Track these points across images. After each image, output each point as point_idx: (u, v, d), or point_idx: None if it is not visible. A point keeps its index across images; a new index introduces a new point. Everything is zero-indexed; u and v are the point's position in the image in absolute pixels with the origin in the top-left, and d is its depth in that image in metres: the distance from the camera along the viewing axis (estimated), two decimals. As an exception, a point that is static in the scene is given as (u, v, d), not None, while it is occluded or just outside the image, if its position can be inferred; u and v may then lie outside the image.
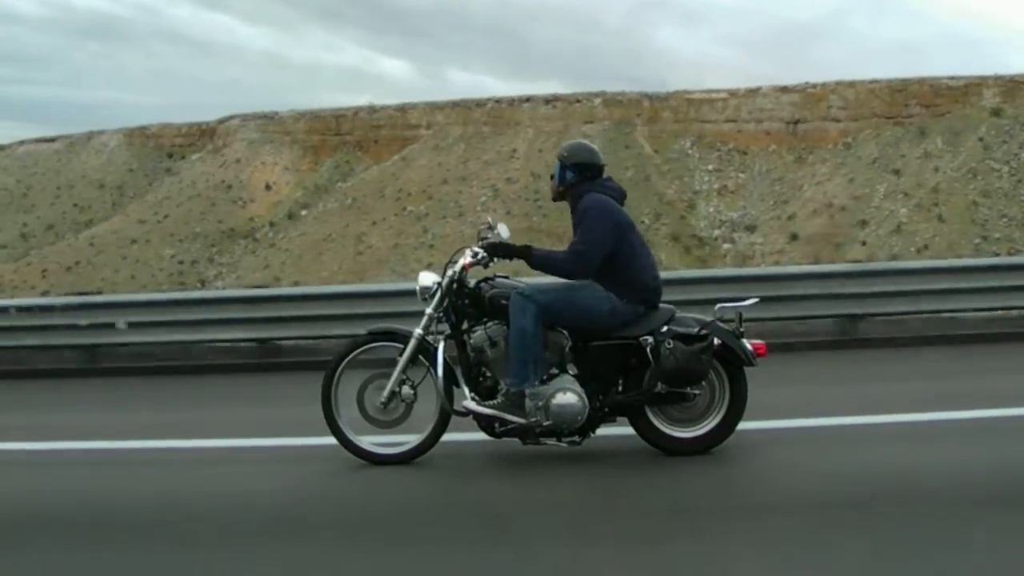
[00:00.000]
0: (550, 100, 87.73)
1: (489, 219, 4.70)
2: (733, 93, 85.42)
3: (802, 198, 76.55)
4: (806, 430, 4.85)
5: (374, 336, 4.58)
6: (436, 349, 4.37)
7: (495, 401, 4.29)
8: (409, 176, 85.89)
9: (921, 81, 78.87)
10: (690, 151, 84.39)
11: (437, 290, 4.40)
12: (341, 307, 8.20)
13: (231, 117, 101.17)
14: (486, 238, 4.55)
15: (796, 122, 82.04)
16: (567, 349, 4.36)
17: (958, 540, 3.21)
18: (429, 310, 4.40)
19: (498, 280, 4.47)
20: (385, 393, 4.35)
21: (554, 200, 4.66)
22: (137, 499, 4.17)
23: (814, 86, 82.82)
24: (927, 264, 10.92)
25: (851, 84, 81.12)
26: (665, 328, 4.25)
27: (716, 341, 4.24)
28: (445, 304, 4.40)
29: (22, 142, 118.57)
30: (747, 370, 4.34)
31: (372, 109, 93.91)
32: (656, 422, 4.39)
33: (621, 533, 3.45)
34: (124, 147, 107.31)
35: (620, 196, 4.52)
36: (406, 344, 4.41)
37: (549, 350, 4.33)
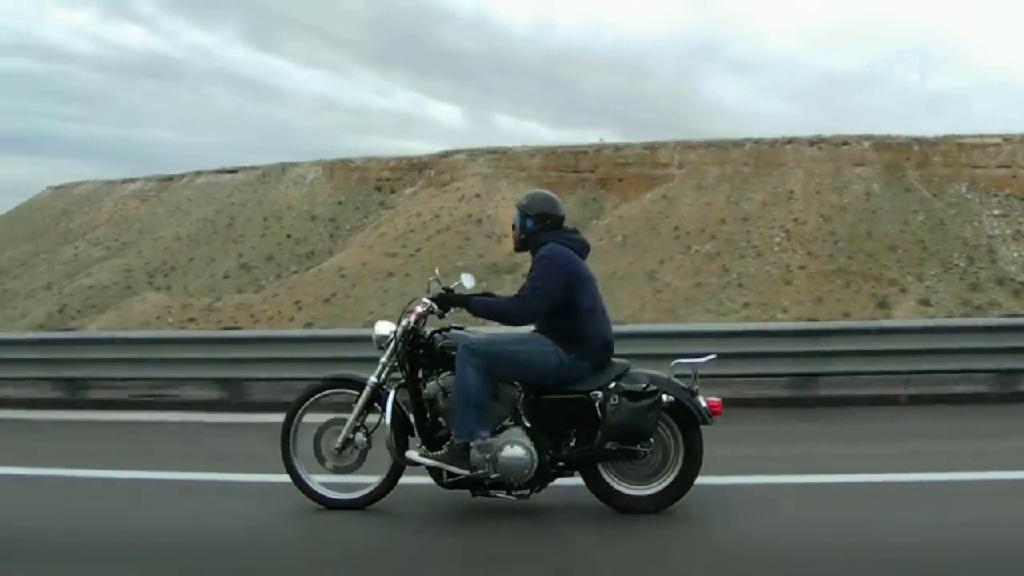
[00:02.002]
0: (814, 142, 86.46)
1: (436, 271, 4.83)
2: (1007, 139, 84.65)
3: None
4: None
5: (332, 382, 4.74)
6: (387, 397, 4.46)
7: (440, 452, 4.36)
8: (680, 214, 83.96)
9: None
10: (968, 196, 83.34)
11: (392, 339, 4.55)
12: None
13: (455, 152, 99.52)
14: (440, 288, 4.63)
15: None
16: (519, 401, 4.42)
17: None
18: (383, 359, 4.57)
19: (452, 331, 4.59)
20: (340, 439, 4.51)
21: (516, 250, 4.77)
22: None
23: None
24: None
25: None
26: (613, 384, 4.32)
27: (668, 398, 4.28)
28: (399, 353, 4.53)
29: (198, 173, 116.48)
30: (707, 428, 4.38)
31: (617, 147, 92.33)
32: (608, 479, 4.44)
33: None
34: (325, 179, 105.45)
35: (582, 248, 4.60)
36: (361, 391, 4.55)
37: (500, 402, 4.41)
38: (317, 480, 4.66)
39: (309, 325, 64.68)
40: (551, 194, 4.81)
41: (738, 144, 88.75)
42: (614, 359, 4.51)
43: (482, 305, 4.49)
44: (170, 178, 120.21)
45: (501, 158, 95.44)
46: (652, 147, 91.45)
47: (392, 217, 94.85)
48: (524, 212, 4.65)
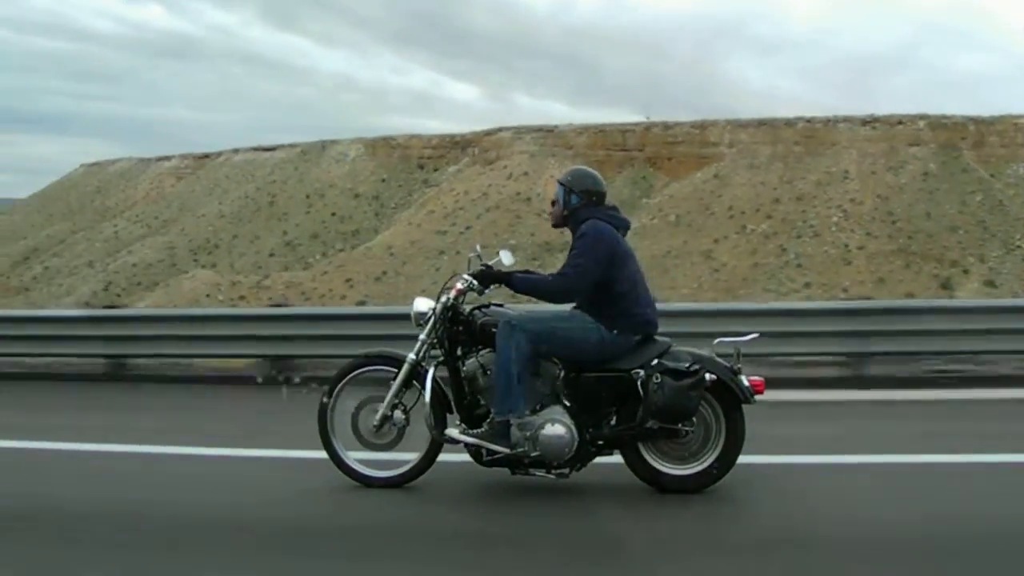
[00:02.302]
0: (868, 121, 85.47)
1: (478, 247, 4.74)
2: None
3: None
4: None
5: (370, 359, 4.68)
6: (427, 375, 4.41)
7: (481, 430, 4.31)
8: (733, 193, 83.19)
9: None
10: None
11: (431, 316, 4.48)
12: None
13: (499, 129, 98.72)
14: (481, 265, 4.54)
15: None
16: (559, 379, 4.38)
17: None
18: (422, 336, 4.50)
19: (492, 308, 4.54)
20: (378, 417, 4.46)
21: (555, 226, 4.68)
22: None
23: None
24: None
25: None
26: (656, 362, 4.25)
27: (711, 377, 4.22)
28: (439, 331, 4.47)
29: (236, 151, 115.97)
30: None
31: (666, 125, 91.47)
32: (649, 458, 4.38)
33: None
34: (367, 157, 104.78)
35: (623, 226, 4.54)
36: (400, 368, 4.49)
37: (540, 380, 4.37)
38: (355, 458, 4.62)
39: (362, 303, 64.24)
40: (594, 171, 4.74)
41: (790, 123, 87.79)
42: (656, 337, 4.44)
43: (524, 282, 4.41)
44: (206, 155, 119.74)
45: (548, 136, 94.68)
46: (702, 125, 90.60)
47: (437, 195, 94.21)
48: (569, 188, 4.57)
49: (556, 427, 4.22)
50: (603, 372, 4.35)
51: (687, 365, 4.21)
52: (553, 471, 4.34)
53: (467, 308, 4.54)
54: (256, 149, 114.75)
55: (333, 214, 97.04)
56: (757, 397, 4.31)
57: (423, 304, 4.60)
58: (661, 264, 78.31)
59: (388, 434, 4.52)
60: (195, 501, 4.47)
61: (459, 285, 4.49)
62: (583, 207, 4.51)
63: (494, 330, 4.34)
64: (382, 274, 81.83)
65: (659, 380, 4.17)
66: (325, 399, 4.61)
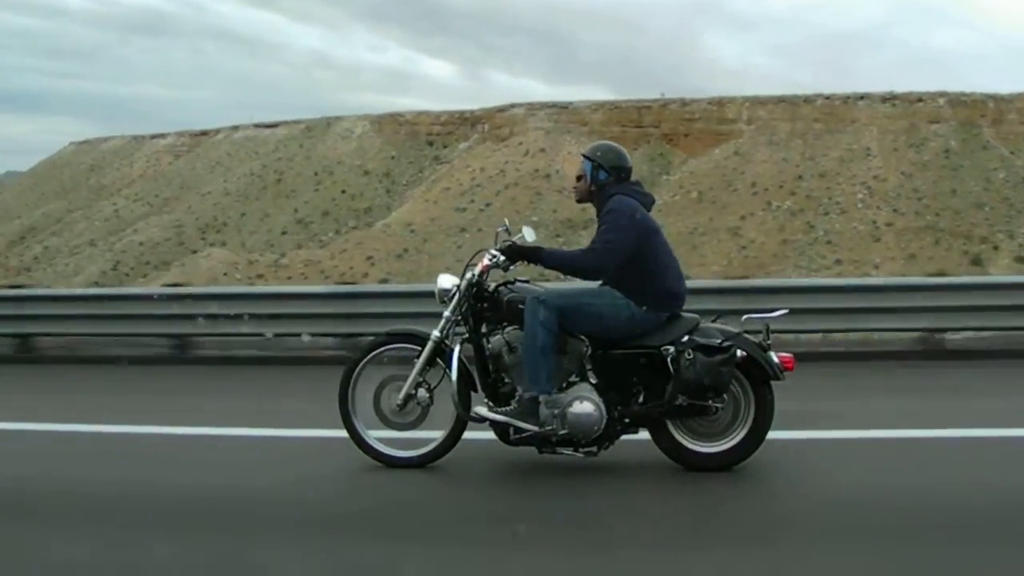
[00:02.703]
0: (887, 99, 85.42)
1: (506, 222, 4.70)
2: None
3: None
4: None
5: (393, 337, 4.59)
6: (452, 353, 4.33)
7: (508, 408, 4.26)
8: (755, 170, 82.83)
9: None
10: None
11: (456, 293, 4.39)
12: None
13: (512, 106, 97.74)
14: (507, 241, 4.48)
15: None
16: (587, 356, 4.31)
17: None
18: (447, 313, 4.41)
19: (518, 284, 4.44)
20: (401, 395, 4.37)
21: (579, 201, 4.60)
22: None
23: None
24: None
25: None
26: (686, 338, 4.19)
27: (741, 353, 4.15)
28: (464, 307, 4.40)
29: (235, 127, 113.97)
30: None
31: (683, 102, 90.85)
32: (677, 435, 4.33)
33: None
34: (374, 134, 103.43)
35: (648, 201, 4.49)
36: (424, 346, 4.40)
37: (568, 357, 4.30)
38: (376, 437, 4.51)
39: (384, 281, 63.13)
40: (620, 146, 4.64)
41: (809, 100, 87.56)
42: (683, 313, 4.38)
43: (554, 257, 4.34)
44: (204, 133, 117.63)
45: (562, 113, 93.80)
46: (719, 102, 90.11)
47: (451, 172, 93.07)
48: (597, 163, 4.47)
49: (585, 404, 4.16)
50: (632, 349, 4.29)
51: (719, 341, 4.15)
52: (581, 449, 4.27)
53: (492, 285, 4.46)
54: (257, 126, 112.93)
55: (343, 191, 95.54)
56: (786, 374, 4.24)
57: (447, 281, 4.51)
58: (688, 241, 77.86)
59: (411, 413, 4.42)
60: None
61: (485, 260, 4.41)
62: (610, 183, 4.44)
63: (521, 307, 4.26)
64: (403, 251, 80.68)
65: (691, 356, 4.11)
66: (346, 378, 4.50)
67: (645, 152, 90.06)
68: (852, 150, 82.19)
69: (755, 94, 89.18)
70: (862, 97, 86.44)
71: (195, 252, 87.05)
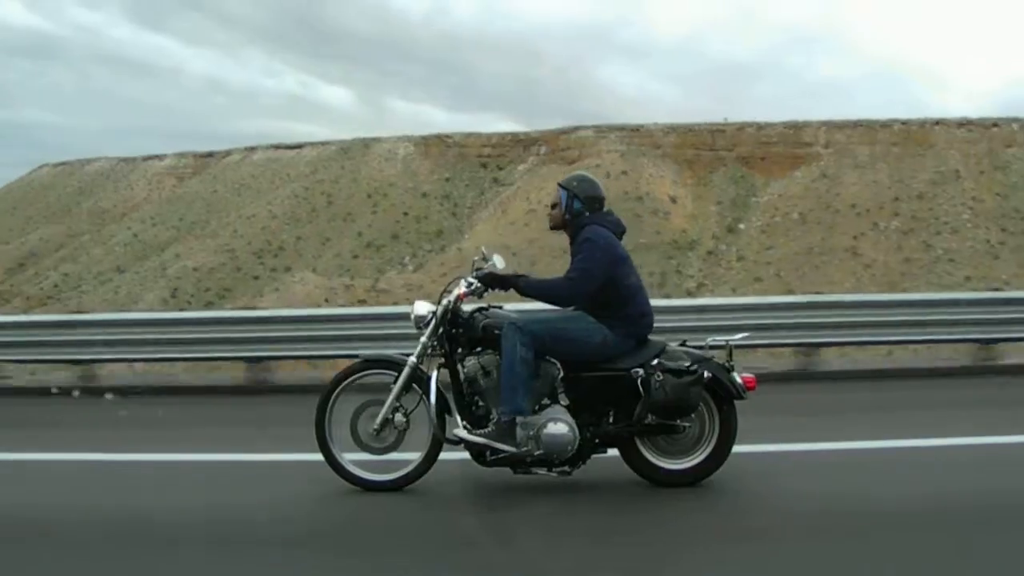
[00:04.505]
0: (963, 124, 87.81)
1: (483, 250, 4.94)
2: None
3: None
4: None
5: (369, 363, 4.75)
6: (430, 377, 4.55)
7: (486, 430, 4.44)
8: (849, 192, 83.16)
9: None
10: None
11: (432, 319, 4.62)
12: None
13: (576, 128, 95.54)
14: (481, 268, 4.80)
15: None
16: (559, 379, 4.56)
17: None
18: (424, 338, 4.62)
19: (492, 310, 4.73)
20: (378, 420, 4.55)
21: (552, 228, 4.96)
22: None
23: None
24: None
25: None
26: (655, 361, 4.49)
27: (707, 375, 4.45)
28: (440, 333, 4.62)
29: (251, 149, 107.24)
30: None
31: (759, 126, 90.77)
32: (646, 453, 4.61)
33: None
34: (418, 155, 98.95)
35: (620, 230, 4.82)
36: (400, 371, 4.60)
37: (541, 380, 4.51)
38: (353, 462, 4.61)
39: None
40: (594, 176, 4.93)
41: (886, 124, 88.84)
42: (650, 337, 4.59)
43: (532, 286, 4.55)
44: (210, 154, 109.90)
45: (634, 135, 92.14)
46: (795, 126, 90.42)
47: (519, 193, 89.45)
48: (573, 193, 4.73)
49: (559, 426, 4.31)
50: (603, 372, 4.47)
51: (687, 364, 4.37)
52: (555, 469, 4.42)
53: (467, 311, 4.59)
54: (277, 147, 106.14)
55: (405, 214, 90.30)
56: (748, 393, 4.44)
57: (423, 308, 4.63)
58: (808, 262, 77.17)
59: (388, 438, 4.53)
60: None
61: (462, 288, 4.56)
62: (584, 213, 4.69)
63: (497, 332, 4.43)
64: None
65: (661, 378, 4.32)
66: (322, 404, 4.56)
67: (724, 175, 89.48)
68: (941, 172, 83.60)
69: (830, 118, 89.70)
70: (937, 122, 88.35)
71: (257, 277, 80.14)
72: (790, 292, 65.51)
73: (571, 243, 4.62)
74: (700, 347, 4.59)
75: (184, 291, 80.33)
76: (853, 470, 4.75)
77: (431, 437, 4.49)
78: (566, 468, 4.41)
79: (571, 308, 4.61)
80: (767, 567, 3.31)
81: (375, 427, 4.47)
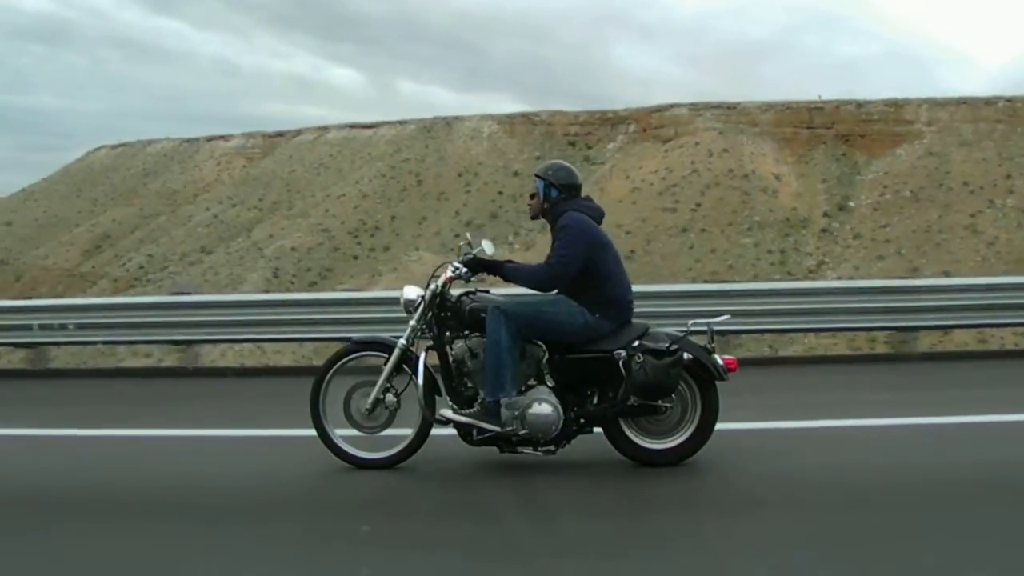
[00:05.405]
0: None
1: (469, 236, 5.05)
2: None
3: None
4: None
5: (360, 345, 4.91)
6: (419, 359, 4.67)
7: (472, 410, 4.56)
8: (959, 169, 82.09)
9: None
10: None
11: (420, 303, 4.74)
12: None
13: (671, 105, 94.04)
14: (468, 254, 4.85)
15: None
16: (543, 361, 4.64)
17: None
18: (412, 322, 4.74)
19: (478, 294, 4.83)
20: (370, 400, 4.69)
21: (533, 218, 5.04)
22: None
23: None
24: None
25: None
26: (637, 343, 4.54)
27: (687, 356, 4.51)
28: (428, 316, 4.73)
29: (324, 128, 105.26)
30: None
31: (858, 104, 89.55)
32: (629, 433, 4.68)
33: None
34: (504, 134, 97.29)
35: (598, 215, 4.88)
36: (390, 353, 4.72)
37: (526, 362, 4.61)
38: (346, 440, 4.75)
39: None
40: (569, 164, 4.99)
41: (989, 102, 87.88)
42: (633, 320, 4.68)
43: (514, 271, 4.69)
44: (280, 134, 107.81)
45: (730, 113, 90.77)
46: (896, 104, 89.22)
47: (614, 172, 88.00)
48: (550, 182, 4.81)
49: (543, 406, 4.40)
50: (586, 353, 4.56)
51: (667, 345, 4.42)
52: (540, 448, 4.51)
53: (454, 294, 4.73)
54: (352, 127, 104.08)
55: (501, 192, 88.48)
56: (730, 374, 4.55)
57: (412, 292, 4.78)
58: (928, 240, 76.08)
59: (379, 417, 4.68)
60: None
61: (449, 272, 4.71)
62: (562, 200, 4.78)
63: (483, 315, 4.54)
64: (630, 252, 74.64)
65: (641, 360, 4.37)
66: (316, 385, 4.72)
67: (825, 152, 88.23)
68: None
69: (931, 96, 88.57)
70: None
71: (356, 257, 78.40)
72: (915, 270, 64.85)
73: (551, 231, 4.70)
74: (682, 330, 4.62)
75: (285, 271, 78.47)
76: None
77: (420, 417, 4.62)
78: (551, 447, 4.51)
79: (554, 292, 4.68)
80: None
81: (367, 407, 4.62)
